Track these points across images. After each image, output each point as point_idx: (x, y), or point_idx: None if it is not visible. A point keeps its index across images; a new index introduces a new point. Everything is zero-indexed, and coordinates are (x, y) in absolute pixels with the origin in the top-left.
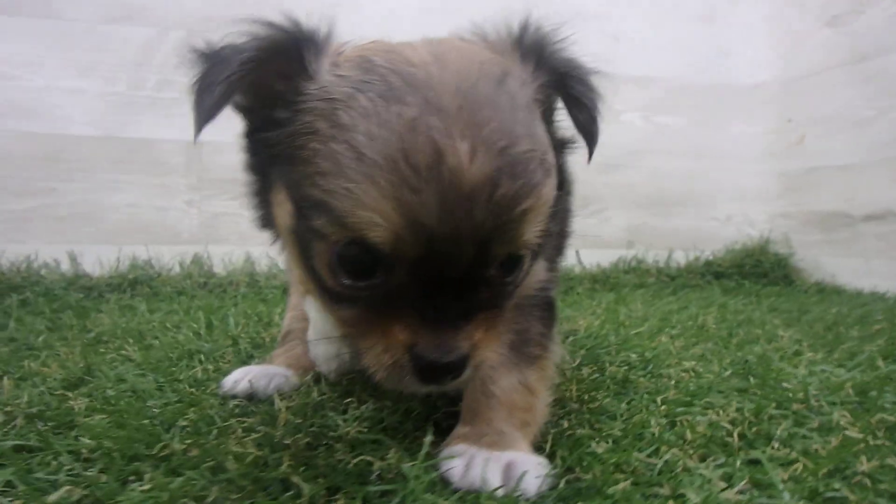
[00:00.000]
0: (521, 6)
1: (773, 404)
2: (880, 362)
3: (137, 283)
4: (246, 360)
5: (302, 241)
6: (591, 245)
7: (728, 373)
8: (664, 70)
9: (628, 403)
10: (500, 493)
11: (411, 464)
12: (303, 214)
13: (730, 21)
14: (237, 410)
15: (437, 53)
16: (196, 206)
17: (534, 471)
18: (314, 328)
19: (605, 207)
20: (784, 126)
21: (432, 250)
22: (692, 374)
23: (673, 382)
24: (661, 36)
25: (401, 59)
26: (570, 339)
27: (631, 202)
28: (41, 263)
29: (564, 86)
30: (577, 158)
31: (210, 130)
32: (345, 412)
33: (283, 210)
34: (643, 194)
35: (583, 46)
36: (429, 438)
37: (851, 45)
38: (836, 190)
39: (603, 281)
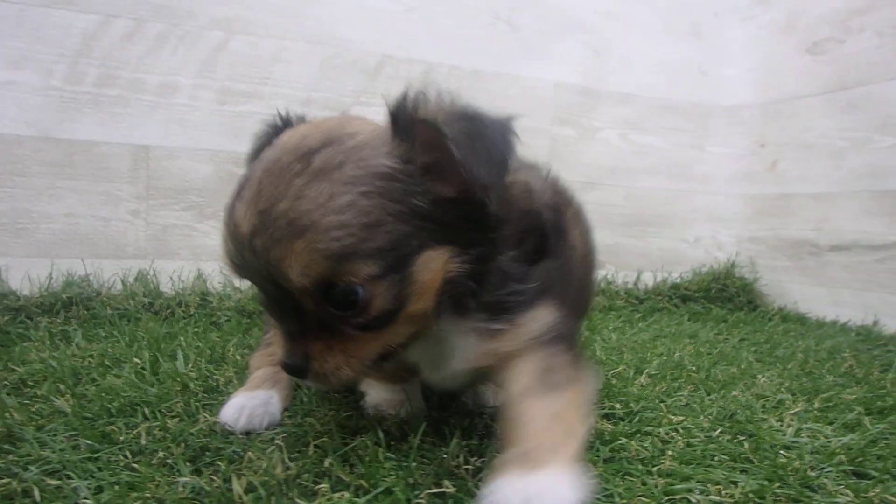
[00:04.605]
0: (507, 12)
1: (777, 483)
2: (866, 420)
3: (73, 304)
4: (195, 415)
5: None
6: None
7: (718, 431)
8: (644, 87)
9: (623, 478)
10: None
11: None
12: None
13: (714, 41)
14: (188, 494)
15: (291, 135)
16: (143, 217)
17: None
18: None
19: None
20: (758, 150)
21: (249, 280)
22: (681, 431)
23: (664, 445)
24: (644, 52)
25: (275, 143)
26: None
27: (606, 222)
28: None
29: (435, 147)
30: None
31: (161, 134)
32: (313, 496)
33: None
34: (619, 214)
35: (566, 59)
36: None
37: (830, 74)
38: (806, 218)
39: None
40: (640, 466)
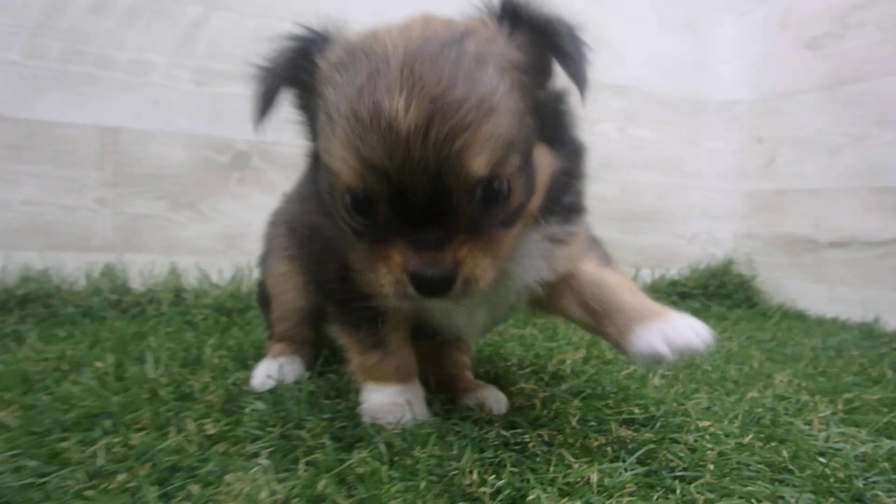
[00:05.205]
0: None
1: (831, 497)
2: None
3: (29, 301)
4: (164, 427)
5: (335, 208)
6: None
7: (749, 438)
8: (641, 80)
9: (665, 499)
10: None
11: None
12: (326, 182)
13: (710, 35)
14: None
15: (405, 28)
16: (110, 206)
17: (693, 329)
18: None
19: None
20: (755, 146)
21: (392, 186)
22: (709, 438)
23: (696, 455)
24: (641, 45)
25: (372, 39)
26: (564, 386)
27: (602, 216)
28: None
29: (545, 41)
30: None
31: (132, 115)
32: None
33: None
34: (614, 209)
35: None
36: None
37: (828, 70)
38: (804, 214)
39: None
40: (676, 482)
